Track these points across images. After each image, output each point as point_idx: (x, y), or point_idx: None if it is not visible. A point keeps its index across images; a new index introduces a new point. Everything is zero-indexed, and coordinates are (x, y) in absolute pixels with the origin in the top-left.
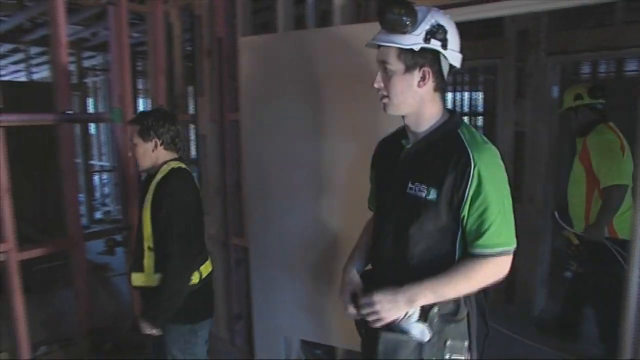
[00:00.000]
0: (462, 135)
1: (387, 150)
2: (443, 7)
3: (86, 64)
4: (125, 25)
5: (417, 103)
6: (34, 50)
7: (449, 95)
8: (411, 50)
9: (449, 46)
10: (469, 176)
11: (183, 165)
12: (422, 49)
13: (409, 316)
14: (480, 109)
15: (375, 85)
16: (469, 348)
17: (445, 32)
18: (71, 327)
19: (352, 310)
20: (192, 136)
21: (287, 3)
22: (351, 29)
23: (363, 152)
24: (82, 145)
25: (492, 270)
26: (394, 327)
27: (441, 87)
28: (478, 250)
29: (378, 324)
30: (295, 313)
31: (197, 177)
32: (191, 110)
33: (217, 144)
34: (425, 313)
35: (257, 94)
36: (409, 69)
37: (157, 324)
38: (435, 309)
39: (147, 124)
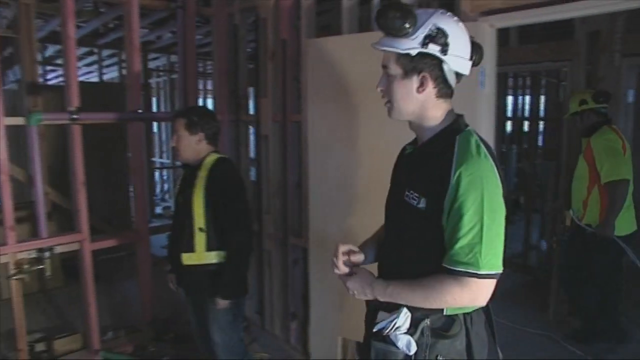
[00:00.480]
0: (456, 143)
1: (400, 156)
2: (511, 10)
3: (151, 65)
4: (193, 27)
5: (419, 109)
6: (105, 52)
7: (509, 99)
8: (408, 55)
9: (450, 51)
10: (448, 185)
11: (226, 157)
12: (419, 53)
13: (397, 327)
14: (542, 113)
15: (378, 89)
16: None
17: (446, 36)
18: (135, 316)
19: (340, 268)
20: (252, 136)
21: (352, 5)
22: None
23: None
24: (145, 143)
25: (455, 290)
26: (382, 336)
27: (446, 94)
28: (444, 263)
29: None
30: (353, 315)
31: (254, 176)
32: (252, 110)
33: (279, 145)
34: (416, 324)
35: (322, 96)
36: (407, 74)
37: (230, 295)
38: (427, 321)
39: (194, 119)
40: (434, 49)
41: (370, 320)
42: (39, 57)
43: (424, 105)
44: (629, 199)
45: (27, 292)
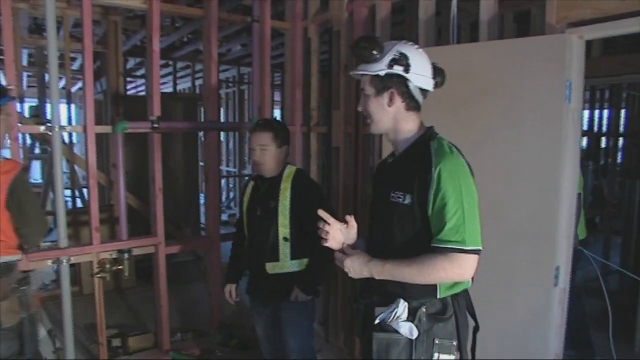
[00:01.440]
0: (431, 146)
1: (380, 167)
2: (603, 20)
3: (221, 77)
4: (268, 40)
5: (391, 121)
6: (179, 64)
7: (585, 114)
8: (378, 75)
9: (412, 70)
10: (430, 178)
11: (301, 168)
12: (387, 74)
13: (397, 316)
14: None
15: (359, 109)
16: (458, 347)
17: (407, 58)
18: (202, 320)
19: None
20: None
21: (429, 18)
22: (491, 46)
23: (519, 167)
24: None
25: (446, 265)
26: (384, 326)
27: (413, 107)
28: (434, 244)
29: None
30: None
31: (324, 188)
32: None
33: (351, 157)
34: (413, 312)
35: None
36: (379, 92)
37: (311, 291)
38: (423, 309)
39: (280, 132)
40: (398, 69)
41: (365, 319)
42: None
43: (395, 117)
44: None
45: (104, 290)
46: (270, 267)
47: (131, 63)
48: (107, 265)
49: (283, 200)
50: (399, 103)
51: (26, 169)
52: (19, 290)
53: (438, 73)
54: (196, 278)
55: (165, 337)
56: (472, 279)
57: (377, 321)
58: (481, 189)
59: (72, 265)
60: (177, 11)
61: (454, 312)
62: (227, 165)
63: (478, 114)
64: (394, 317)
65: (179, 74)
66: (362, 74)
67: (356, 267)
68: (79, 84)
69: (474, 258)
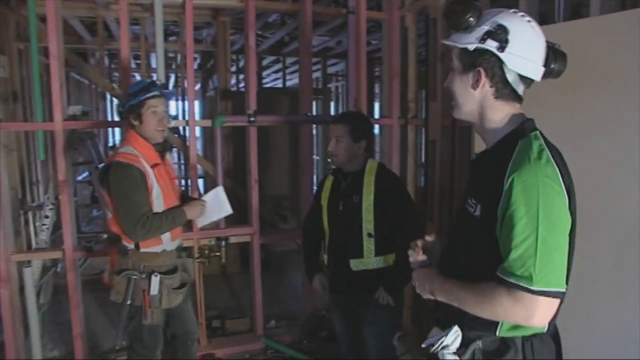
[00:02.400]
0: (518, 147)
1: (470, 164)
2: None
3: (330, 70)
4: (364, 31)
5: (477, 109)
6: (288, 60)
7: None
8: (467, 49)
9: (509, 50)
10: (501, 190)
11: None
12: (477, 49)
13: (444, 345)
14: None
15: (444, 85)
16: None
17: (506, 33)
18: (295, 309)
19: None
20: (420, 141)
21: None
22: (608, 19)
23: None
24: (323, 144)
25: (506, 303)
26: (431, 355)
27: (505, 95)
28: (498, 272)
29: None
30: None
31: (423, 182)
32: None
33: (448, 150)
34: (467, 344)
35: None
36: (465, 69)
37: (394, 291)
38: (479, 344)
39: (359, 127)
40: (491, 44)
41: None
42: (233, 68)
43: (481, 104)
44: None
45: (210, 274)
46: (355, 264)
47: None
48: (206, 252)
49: (367, 195)
50: (487, 87)
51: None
52: (127, 274)
53: (557, 58)
54: (298, 267)
55: (259, 322)
56: (549, 325)
57: (424, 344)
58: (592, 190)
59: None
60: (272, 7)
61: (523, 356)
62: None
63: (587, 102)
64: (439, 346)
65: (288, 70)
66: (452, 45)
67: (420, 281)
68: (199, 84)
69: (547, 301)
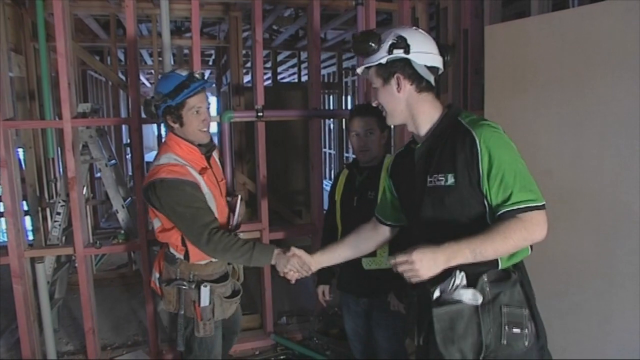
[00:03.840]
0: (462, 120)
1: (402, 159)
2: None
3: (346, 64)
4: (373, 23)
5: (406, 108)
6: (303, 55)
7: None
8: (381, 64)
9: (412, 50)
10: (477, 152)
11: None
12: (389, 60)
13: (456, 285)
14: None
15: (373, 103)
16: (531, 317)
17: (405, 40)
18: (306, 306)
19: (391, 261)
20: None
21: None
22: (621, 5)
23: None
24: (337, 139)
25: (528, 227)
26: (444, 299)
27: (424, 87)
28: (508, 210)
29: (414, 280)
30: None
31: None
32: None
33: None
34: (473, 281)
35: (505, 87)
36: (385, 80)
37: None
38: (484, 277)
39: (382, 116)
40: (398, 52)
41: (421, 311)
42: (248, 64)
43: (408, 102)
44: None
45: None
46: (367, 263)
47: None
48: None
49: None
50: (408, 86)
51: None
52: (177, 284)
53: (446, 51)
54: None
55: (269, 319)
56: (531, 247)
57: (435, 295)
58: (609, 184)
59: None
60: (281, 0)
61: (519, 279)
62: (346, 152)
63: (603, 92)
64: (452, 287)
65: (303, 65)
66: (367, 67)
67: (427, 260)
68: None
69: (545, 214)
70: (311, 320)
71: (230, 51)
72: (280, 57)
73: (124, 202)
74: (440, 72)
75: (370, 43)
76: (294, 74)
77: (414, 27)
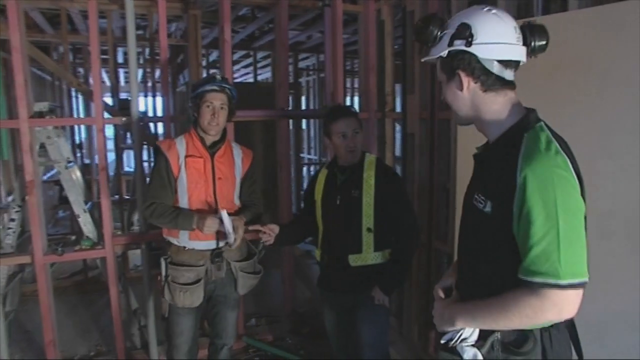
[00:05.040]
0: (524, 140)
1: (475, 157)
2: None
3: (301, 65)
4: (340, 25)
5: (471, 109)
6: (259, 54)
7: None
8: (442, 57)
9: (477, 41)
10: (514, 188)
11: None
12: (450, 53)
13: (463, 338)
14: None
15: (442, 99)
16: None
17: (469, 28)
18: (275, 307)
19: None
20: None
21: None
22: (583, 14)
23: (615, 153)
24: (295, 140)
25: (535, 303)
26: (450, 347)
27: (493, 84)
28: (520, 275)
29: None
30: None
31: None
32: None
33: (426, 143)
34: (484, 337)
35: None
36: (449, 76)
37: (392, 292)
38: (498, 335)
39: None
40: (458, 44)
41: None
42: (203, 62)
43: (473, 102)
44: None
45: None
46: (353, 259)
47: (214, 55)
48: None
49: (368, 190)
50: (472, 84)
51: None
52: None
53: (533, 33)
54: (276, 265)
55: (239, 321)
56: None
57: (443, 340)
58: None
59: (155, 249)
60: (248, 0)
61: (542, 347)
62: (309, 153)
63: (567, 92)
64: (458, 339)
65: (259, 64)
66: (430, 60)
67: (439, 312)
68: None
69: (575, 294)
70: (282, 320)
71: (189, 50)
72: (234, 57)
73: (85, 205)
74: (521, 63)
75: (431, 29)
76: (246, 74)
77: (487, 8)
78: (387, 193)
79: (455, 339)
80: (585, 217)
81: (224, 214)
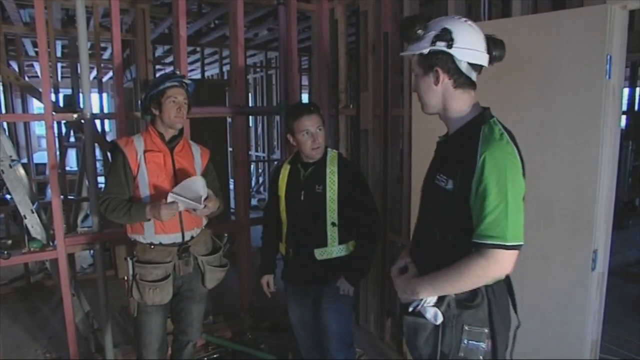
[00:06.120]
0: (482, 130)
1: (436, 146)
2: None
3: (248, 62)
4: (294, 23)
5: (440, 101)
6: (207, 51)
7: (625, 92)
8: (423, 54)
9: (455, 45)
10: (474, 167)
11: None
12: (431, 52)
13: (426, 301)
14: None
15: (412, 90)
16: (490, 335)
17: (450, 33)
18: (233, 303)
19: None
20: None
21: None
22: (525, 20)
23: (556, 147)
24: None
25: (482, 263)
26: (413, 312)
27: (462, 84)
28: (474, 239)
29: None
30: None
31: None
32: (350, 105)
33: (380, 139)
34: (441, 298)
35: None
36: (425, 71)
37: (357, 282)
38: (452, 295)
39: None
40: (441, 45)
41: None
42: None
43: (444, 96)
44: None
45: None
46: (319, 253)
47: (160, 51)
48: None
49: (331, 185)
50: (446, 80)
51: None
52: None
53: (495, 46)
54: (232, 261)
55: None
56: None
57: (410, 308)
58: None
59: (107, 250)
60: None
61: (487, 300)
62: (257, 150)
63: (512, 92)
64: (423, 302)
65: (206, 60)
66: (410, 54)
67: (400, 287)
68: (110, 73)
69: (513, 254)
70: (242, 316)
71: (137, 45)
72: None
73: (32, 205)
74: (483, 68)
75: (416, 29)
76: (193, 70)
77: (464, 19)
78: (350, 187)
79: (420, 304)
80: (523, 197)
81: (187, 181)
